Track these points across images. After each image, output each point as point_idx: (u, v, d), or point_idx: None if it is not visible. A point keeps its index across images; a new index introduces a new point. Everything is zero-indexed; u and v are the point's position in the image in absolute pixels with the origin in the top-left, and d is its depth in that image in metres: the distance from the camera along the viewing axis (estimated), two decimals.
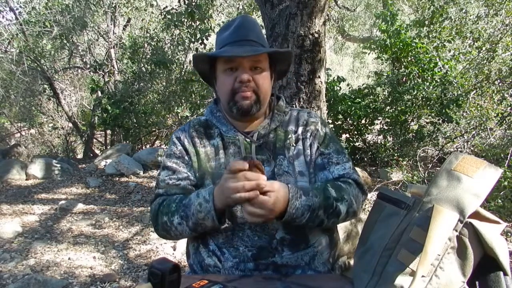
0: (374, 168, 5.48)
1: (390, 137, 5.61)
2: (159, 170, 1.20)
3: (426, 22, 5.64)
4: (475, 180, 0.78)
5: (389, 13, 5.30)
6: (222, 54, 1.06)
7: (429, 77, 5.08)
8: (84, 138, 8.17)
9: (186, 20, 5.93)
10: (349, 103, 5.33)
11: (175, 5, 6.15)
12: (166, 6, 6.47)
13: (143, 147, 7.67)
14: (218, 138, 1.15)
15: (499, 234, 0.78)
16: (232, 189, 0.90)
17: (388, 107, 5.49)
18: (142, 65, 7.32)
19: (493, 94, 4.88)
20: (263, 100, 1.10)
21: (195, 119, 1.23)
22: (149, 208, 4.42)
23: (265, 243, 1.04)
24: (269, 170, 1.09)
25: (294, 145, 1.14)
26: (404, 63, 5.44)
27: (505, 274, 0.76)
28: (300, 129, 1.16)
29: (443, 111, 4.73)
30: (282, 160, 1.11)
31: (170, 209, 1.05)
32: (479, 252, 0.77)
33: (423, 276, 0.74)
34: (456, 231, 0.75)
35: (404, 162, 4.92)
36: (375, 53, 5.79)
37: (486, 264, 0.77)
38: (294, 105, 2.53)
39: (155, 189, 1.18)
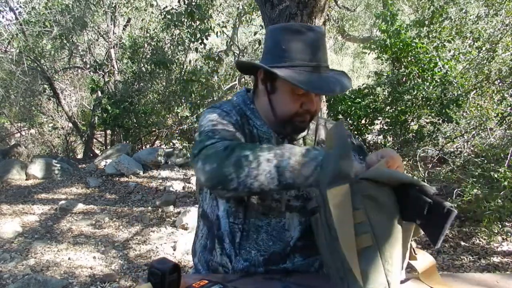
0: None
1: (390, 137, 5.61)
2: (199, 135, 1.00)
3: (426, 22, 5.63)
4: (336, 148, 0.80)
5: (389, 13, 5.30)
6: (305, 88, 0.94)
7: (429, 77, 5.07)
8: (84, 138, 8.16)
9: (186, 20, 5.93)
10: (349, 103, 5.32)
11: (175, 5, 6.15)
12: (166, 6, 6.47)
13: (143, 147, 7.67)
14: (253, 128, 1.08)
15: (385, 167, 0.81)
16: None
17: (388, 107, 5.48)
18: (142, 65, 7.32)
19: (493, 94, 4.88)
20: (313, 119, 1.10)
21: (226, 102, 1.13)
22: (149, 208, 4.44)
23: (279, 249, 1.02)
24: None
25: None
26: (404, 63, 5.44)
27: (416, 185, 0.78)
28: None
29: (443, 111, 4.73)
30: None
31: (254, 147, 0.87)
32: (389, 189, 0.80)
33: (369, 247, 0.76)
34: (361, 194, 0.78)
35: (404, 162, 4.91)
36: (375, 53, 5.78)
37: (404, 195, 0.80)
38: None
39: (203, 140, 0.94)
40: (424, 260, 0.93)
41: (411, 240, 0.86)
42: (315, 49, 0.99)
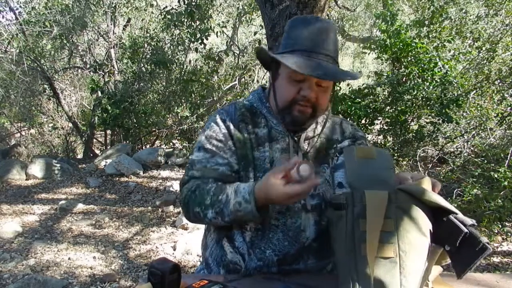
0: None
1: (390, 137, 5.61)
2: (193, 151, 1.10)
3: (426, 22, 5.63)
4: (378, 160, 0.86)
5: (389, 13, 5.30)
6: (292, 67, 0.95)
7: (429, 77, 5.07)
8: (84, 138, 8.16)
9: (186, 20, 5.92)
10: (349, 103, 5.32)
11: (175, 5, 6.14)
12: (166, 6, 6.47)
13: (143, 147, 7.66)
14: (265, 128, 1.08)
15: (429, 188, 0.83)
16: (291, 196, 0.87)
17: (388, 107, 5.48)
18: (142, 65, 7.31)
19: (493, 94, 4.88)
20: (318, 115, 1.07)
21: (239, 103, 1.15)
22: (149, 208, 4.44)
23: (293, 250, 1.02)
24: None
25: (338, 155, 1.11)
26: (404, 63, 5.44)
27: (454, 213, 0.79)
28: (347, 142, 1.14)
29: (443, 111, 4.73)
30: (326, 168, 1.09)
31: (204, 202, 0.98)
32: (424, 208, 0.81)
33: (391, 258, 0.77)
34: (395, 204, 0.79)
35: (404, 162, 4.92)
36: (375, 53, 5.78)
37: (438, 219, 0.81)
38: None
39: (188, 170, 1.08)
40: (434, 272, 0.94)
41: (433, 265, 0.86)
42: (317, 37, 0.99)
